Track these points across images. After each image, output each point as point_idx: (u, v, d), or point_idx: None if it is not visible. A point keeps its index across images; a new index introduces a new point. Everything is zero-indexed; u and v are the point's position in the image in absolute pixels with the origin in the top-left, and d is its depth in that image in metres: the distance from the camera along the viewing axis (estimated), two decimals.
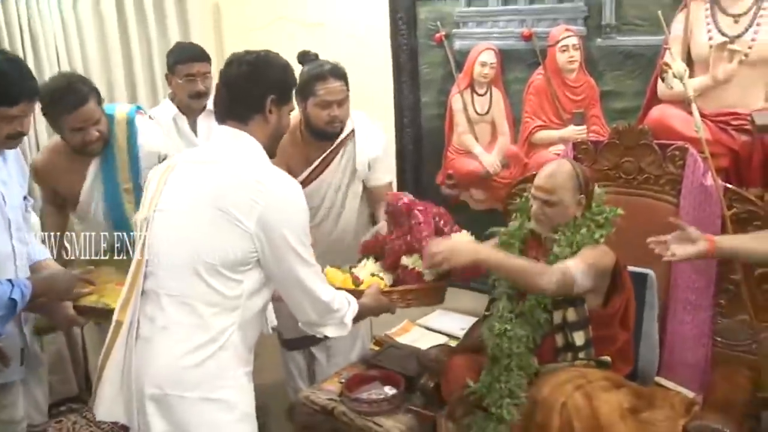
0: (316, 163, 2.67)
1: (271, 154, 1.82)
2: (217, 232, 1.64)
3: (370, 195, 2.79)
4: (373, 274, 2.21)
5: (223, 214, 1.64)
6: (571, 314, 2.07)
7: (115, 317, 1.77)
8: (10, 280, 1.80)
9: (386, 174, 2.82)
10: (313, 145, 2.67)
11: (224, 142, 1.77)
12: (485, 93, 2.90)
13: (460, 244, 2.05)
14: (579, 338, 2.08)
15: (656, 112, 2.47)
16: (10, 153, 2.16)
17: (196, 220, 1.68)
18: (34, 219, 2.56)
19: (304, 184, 2.54)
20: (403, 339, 2.93)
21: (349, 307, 1.89)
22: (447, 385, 2.22)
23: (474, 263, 1.98)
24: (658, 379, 2.29)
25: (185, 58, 2.97)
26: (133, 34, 3.54)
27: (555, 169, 2.13)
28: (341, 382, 2.56)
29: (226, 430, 1.70)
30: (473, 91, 2.93)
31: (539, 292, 2.01)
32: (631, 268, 2.21)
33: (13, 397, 2.17)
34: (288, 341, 3.00)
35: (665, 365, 2.33)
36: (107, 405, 1.76)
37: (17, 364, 2.13)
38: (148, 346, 1.70)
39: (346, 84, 2.57)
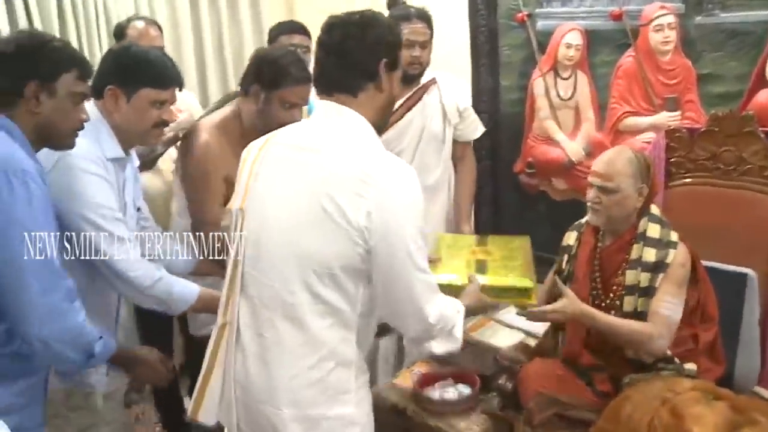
0: (401, 102, 2.68)
1: (381, 130, 1.65)
2: (322, 235, 1.48)
3: (453, 148, 2.86)
4: None
5: (327, 214, 1.47)
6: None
7: (218, 320, 1.67)
8: (101, 336, 1.72)
9: (473, 131, 2.88)
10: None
11: (327, 122, 1.58)
12: (569, 77, 2.78)
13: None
14: None
15: (763, 96, 2.29)
16: (135, 158, 2.17)
17: (298, 220, 1.51)
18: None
19: (389, 126, 2.61)
20: (479, 334, 2.82)
21: (458, 315, 1.67)
22: (524, 391, 2.11)
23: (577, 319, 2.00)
24: (757, 389, 2.14)
25: (287, 29, 3.01)
26: (204, 18, 3.58)
27: (614, 154, 2.05)
28: (414, 379, 2.48)
29: None
30: (556, 74, 2.81)
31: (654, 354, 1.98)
32: (729, 267, 2.10)
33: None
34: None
35: (767, 375, 2.16)
36: (212, 409, 1.67)
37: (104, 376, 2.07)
38: (255, 363, 1.58)
39: (430, 27, 2.67)
